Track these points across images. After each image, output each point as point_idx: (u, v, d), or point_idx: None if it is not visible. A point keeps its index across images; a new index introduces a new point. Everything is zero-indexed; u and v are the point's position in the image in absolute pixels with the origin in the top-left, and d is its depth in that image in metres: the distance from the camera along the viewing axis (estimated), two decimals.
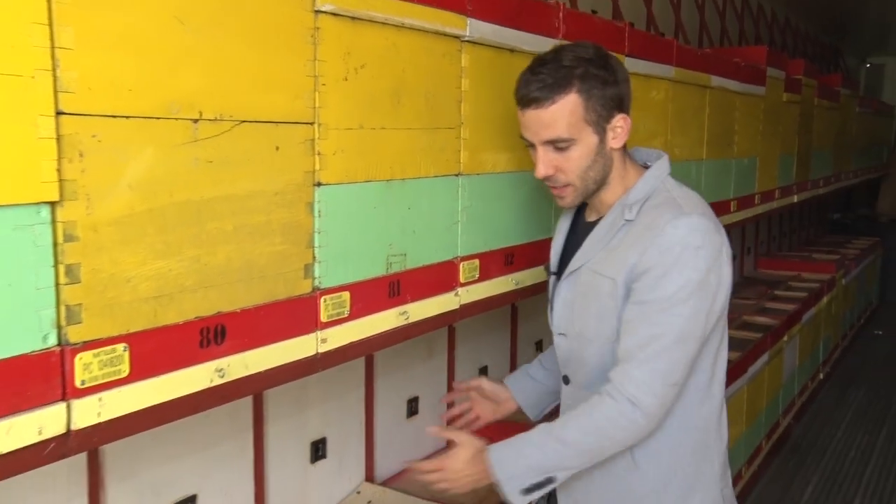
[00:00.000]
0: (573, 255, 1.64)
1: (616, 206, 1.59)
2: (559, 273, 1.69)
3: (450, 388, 2.76)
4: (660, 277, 1.46)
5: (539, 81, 1.51)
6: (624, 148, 1.61)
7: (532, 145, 1.58)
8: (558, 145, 1.53)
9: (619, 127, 1.56)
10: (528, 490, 1.50)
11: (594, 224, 1.63)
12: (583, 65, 1.50)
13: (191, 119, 1.19)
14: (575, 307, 1.61)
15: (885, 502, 4.12)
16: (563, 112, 1.50)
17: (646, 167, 1.64)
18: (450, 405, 1.93)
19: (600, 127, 1.53)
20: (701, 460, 1.62)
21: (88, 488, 1.67)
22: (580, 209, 1.72)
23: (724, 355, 1.63)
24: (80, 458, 1.64)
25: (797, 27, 7.35)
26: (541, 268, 2.11)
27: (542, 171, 1.56)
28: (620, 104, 1.56)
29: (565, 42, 1.58)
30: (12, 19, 0.95)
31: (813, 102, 4.96)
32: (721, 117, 3.31)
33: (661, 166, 1.62)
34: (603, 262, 1.56)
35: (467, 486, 1.57)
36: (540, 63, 1.54)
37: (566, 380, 1.69)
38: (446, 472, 1.57)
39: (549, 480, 1.50)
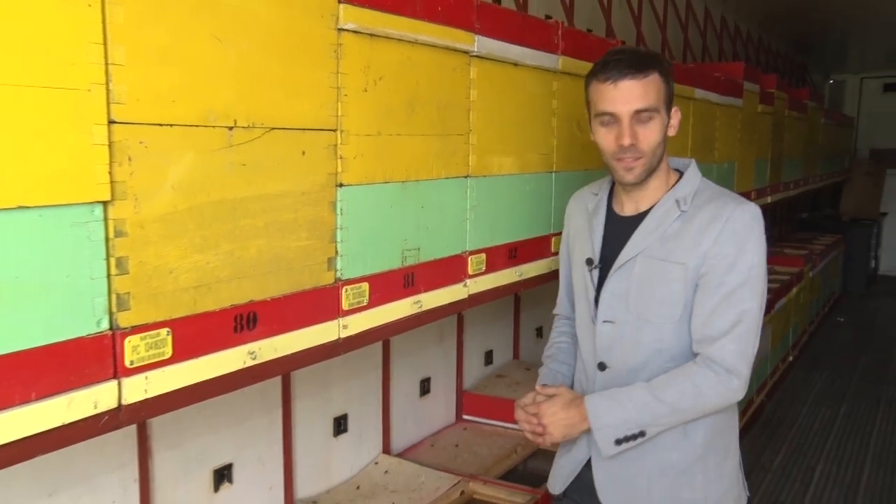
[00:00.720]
0: (612, 248, 1.62)
1: (665, 200, 1.59)
2: (602, 265, 1.64)
3: (459, 372, 2.77)
4: (736, 258, 1.49)
5: (629, 61, 1.52)
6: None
7: (612, 122, 1.54)
8: (643, 115, 1.52)
9: (674, 117, 1.60)
10: (620, 441, 1.50)
11: (634, 217, 1.62)
12: (657, 56, 1.57)
13: (226, 126, 1.19)
14: (631, 294, 1.57)
15: (844, 469, 4.14)
16: (654, 85, 1.53)
17: (677, 171, 1.65)
18: None
19: (668, 111, 1.57)
20: (730, 426, 1.62)
21: (138, 455, 1.68)
22: (609, 206, 1.69)
23: None
24: (131, 429, 1.65)
25: (769, 46, 7.33)
26: (541, 261, 2.11)
27: (627, 139, 1.52)
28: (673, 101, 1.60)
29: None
30: (73, 39, 0.96)
31: (784, 113, 4.95)
32: (703, 125, 3.29)
33: (696, 167, 1.65)
34: (664, 250, 1.55)
35: (561, 431, 1.55)
36: (619, 51, 1.58)
37: (602, 367, 1.61)
38: (543, 415, 1.56)
39: (641, 434, 1.50)
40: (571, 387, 1.75)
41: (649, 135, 1.53)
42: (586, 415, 1.52)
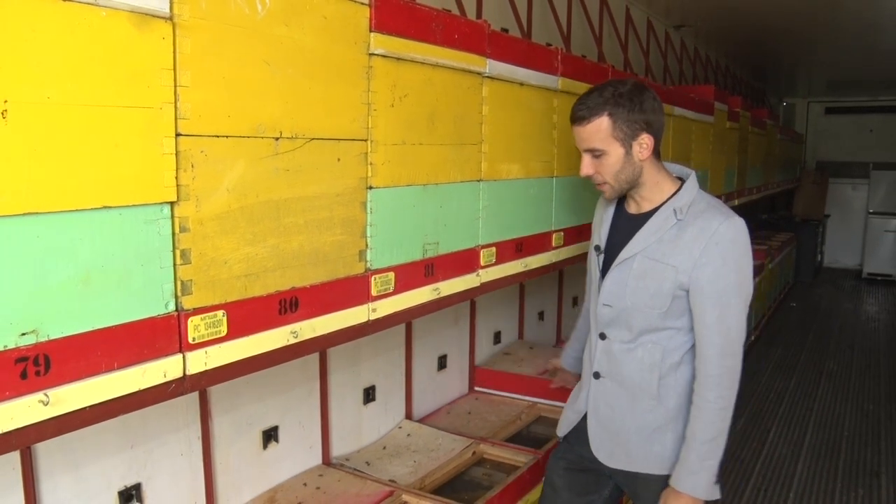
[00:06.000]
0: (618, 240, 1.63)
1: (665, 208, 1.58)
2: (607, 254, 1.66)
3: (471, 350, 2.75)
4: (719, 267, 1.50)
5: (580, 109, 1.56)
6: (659, 160, 1.61)
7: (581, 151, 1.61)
8: (594, 153, 1.57)
9: (644, 143, 1.56)
10: (717, 482, 1.54)
11: (638, 216, 1.63)
12: (615, 97, 1.53)
13: (273, 137, 1.17)
14: (628, 285, 1.58)
15: (793, 430, 4.16)
16: (598, 128, 1.54)
17: (678, 178, 1.64)
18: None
19: (627, 143, 1.55)
20: (690, 397, 1.61)
21: (200, 418, 1.69)
22: (620, 202, 1.70)
23: None
24: (194, 396, 1.65)
25: (734, 72, 7.29)
26: (544, 254, 2.09)
27: (583, 171, 1.59)
28: (647, 126, 1.55)
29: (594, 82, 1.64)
30: (149, 67, 0.97)
31: (748, 130, 4.91)
32: (681, 138, 3.26)
33: (694, 180, 1.63)
34: (659, 252, 1.55)
35: None
36: (587, 93, 1.58)
37: (602, 336, 1.66)
38: None
39: (722, 462, 1.54)
40: (582, 350, 1.87)
41: (603, 167, 1.57)
42: (691, 496, 1.53)
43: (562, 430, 1.78)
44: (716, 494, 1.54)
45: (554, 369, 2.16)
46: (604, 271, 1.65)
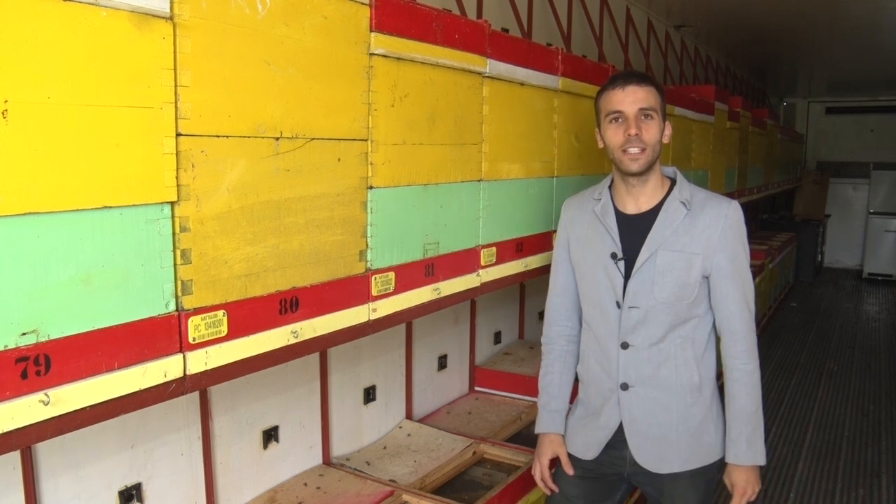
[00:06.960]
0: (627, 242, 1.60)
1: (670, 201, 1.60)
2: (626, 258, 1.60)
3: (472, 350, 2.75)
4: (736, 246, 1.58)
5: (633, 74, 1.61)
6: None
7: (620, 120, 1.58)
8: (647, 112, 1.57)
9: (668, 128, 1.64)
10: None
11: (641, 215, 1.61)
12: (656, 81, 1.64)
13: (274, 137, 1.17)
14: (655, 282, 1.56)
15: (794, 428, 4.16)
16: (652, 93, 1.59)
17: (667, 177, 1.67)
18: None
19: (663, 120, 1.61)
20: (716, 382, 1.65)
21: (200, 417, 1.69)
22: (612, 205, 1.65)
23: None
24: (194, 395, 1.65)
25: (734, 73, 7.30)
26: (544, 254, 2.08)
27: (633, 130, 1.56)
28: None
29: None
30: (149, 67, 0.97)
31: (748, 129, 4.91)
32: (682, 138, 3.26)
33: (682, 175, 1.68)
34: (679, 243, 1.57)
35: (758, 484, 1.61)
36: (630, 71, 1.71)
37: (625, 346, 1.59)
38: (747, 493, 1.60)
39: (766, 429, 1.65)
40: (571, 399, 1.76)
41: (651, 130, 1.57)
42: (754, 465, 1.58)
43: (590, 452, 1.66)
44: (765, 460, 1.60)
45: (552, 460, 1.76)
46: (626, 275, 1.58)
